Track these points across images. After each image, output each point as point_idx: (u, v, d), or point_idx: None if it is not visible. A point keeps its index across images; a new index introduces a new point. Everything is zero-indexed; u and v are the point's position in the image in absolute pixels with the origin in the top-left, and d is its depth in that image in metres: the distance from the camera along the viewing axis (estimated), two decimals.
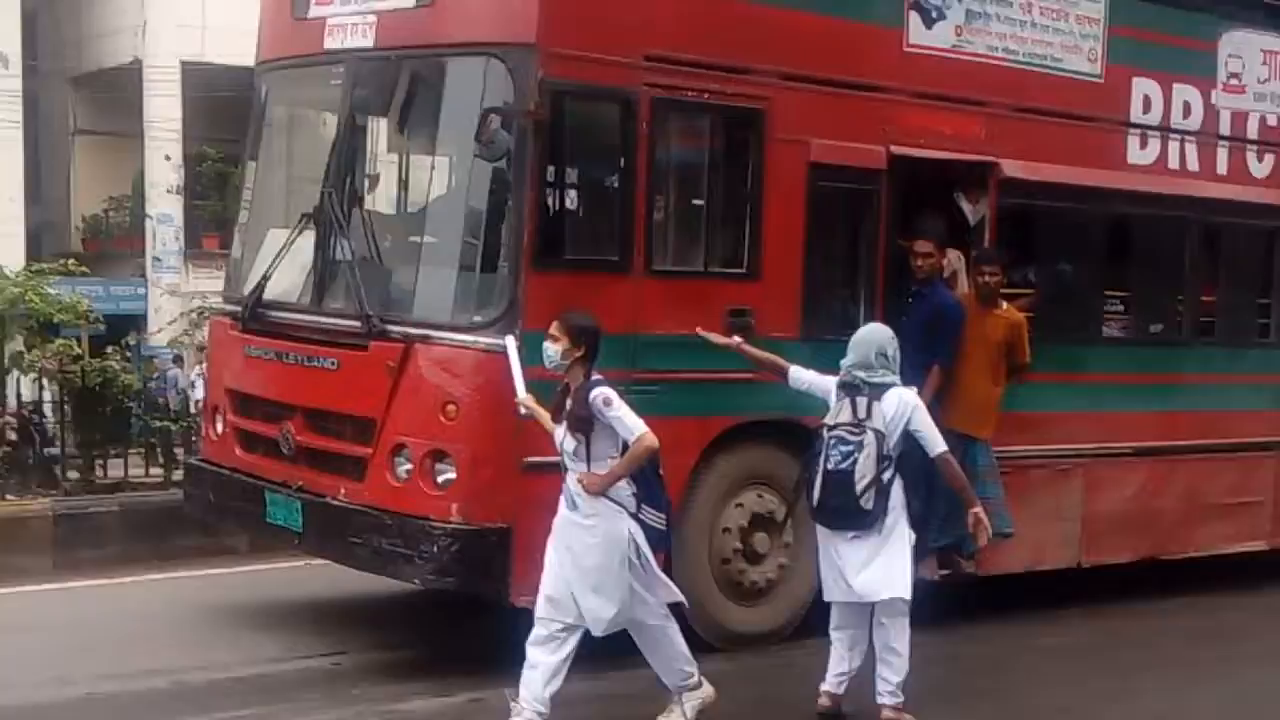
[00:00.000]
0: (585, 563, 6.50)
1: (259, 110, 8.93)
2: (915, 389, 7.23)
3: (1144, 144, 10.02)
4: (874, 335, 7.11)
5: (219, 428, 8.71)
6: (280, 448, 8.09)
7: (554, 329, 6.57)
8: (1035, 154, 9.36)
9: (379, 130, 8.33)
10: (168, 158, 27.34)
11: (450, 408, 7.34)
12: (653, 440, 6.43)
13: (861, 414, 6.88)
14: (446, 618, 8.75)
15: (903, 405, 6.93)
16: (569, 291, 7.43)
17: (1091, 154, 9.74)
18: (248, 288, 8.44)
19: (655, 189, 7.82)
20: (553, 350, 6.57)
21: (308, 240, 8.12)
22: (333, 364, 7.81)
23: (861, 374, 6.94)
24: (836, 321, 8.50)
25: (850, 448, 6.84)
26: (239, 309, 8.49)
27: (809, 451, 7.06)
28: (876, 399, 6.89)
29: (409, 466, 7.46)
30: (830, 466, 6.86)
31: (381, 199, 8.56)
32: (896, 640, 7.02)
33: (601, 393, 6.42)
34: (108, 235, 30.22)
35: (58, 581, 9.90)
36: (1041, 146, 9.41)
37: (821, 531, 7.10)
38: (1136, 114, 9.95)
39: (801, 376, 7.34)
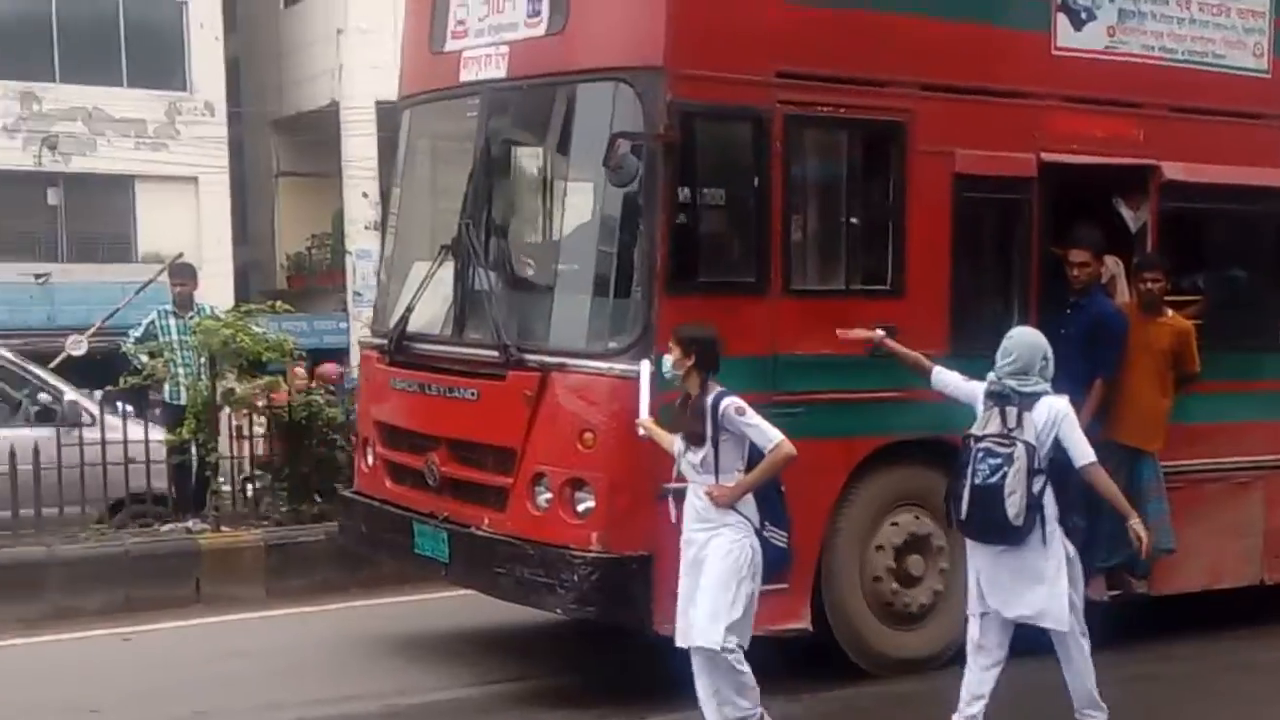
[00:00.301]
0: (706, 578, 6.43)
1: (401, 144, 9.01)
2: (1067, 398, 6.93)
3: None
4: (1035, 339, 6.88)
5: (369, 460, 8.80)
6: (426, 479, 8.13)
7: (670, 342, 6.60)
8: (1199, 155, 8.95)
9: (515, 160, 8.36)
10: (365, 195, 28.12)
11: (588, 435, 7.29)
12: (791, 448, 6.43)
13: (1011, 424, 6.63)
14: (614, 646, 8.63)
15: (1053, 414, 6.68)
16: (704, 314, 7.28)
17: (1261, 153, 9.28)
18: (393, 320, 8.51)
19: (791, 207, 7.67)
20: (667, 362, 6.61)
21: (447, 271, 8.15)
22: (473, 395, 7.82)
23: (1013, 382, 6.69)
24: (987, 337, 8.16)
25: (999, 460, 6.59)
26: (385, 341, 8.57)
27: (956, 463, 6.85)
28: (1027, 409, 6.64)
29: (549, 495, 7.43)
30: (978, 481, 6.62)
31: (518, 228, 8.56)
32: (1070, 662, 6.87)
33: (732, 402, 6.40)
34: (310, 272, 31.32)
35: (270, 609, 10.17)
36: (1205, 147, 8.99)
37: (969, 544, 6.91)
38: None
39: (945, 379, 7.20)
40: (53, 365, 12.49)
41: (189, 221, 27.17)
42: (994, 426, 6.69)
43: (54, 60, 27.56)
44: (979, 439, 6.68)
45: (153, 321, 11.60)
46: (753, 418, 6.41)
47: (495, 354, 7.68)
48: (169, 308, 11.67)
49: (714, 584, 6.47)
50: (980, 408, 6.82)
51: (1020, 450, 6.57)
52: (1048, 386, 6.76)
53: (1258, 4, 9.20)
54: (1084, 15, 8.57)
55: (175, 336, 11.46)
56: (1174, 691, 8.13)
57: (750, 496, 6.48)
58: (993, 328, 8.28)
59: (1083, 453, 6.73)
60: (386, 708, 7.72)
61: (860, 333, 7.56)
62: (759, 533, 6.46)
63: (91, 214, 28.21)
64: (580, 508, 7.34)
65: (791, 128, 7.58)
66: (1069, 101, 8.53)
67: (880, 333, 7.52)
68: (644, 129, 7.25)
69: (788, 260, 7.63)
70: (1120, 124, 8.73)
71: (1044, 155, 8.35)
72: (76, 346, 12.62)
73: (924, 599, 8.14)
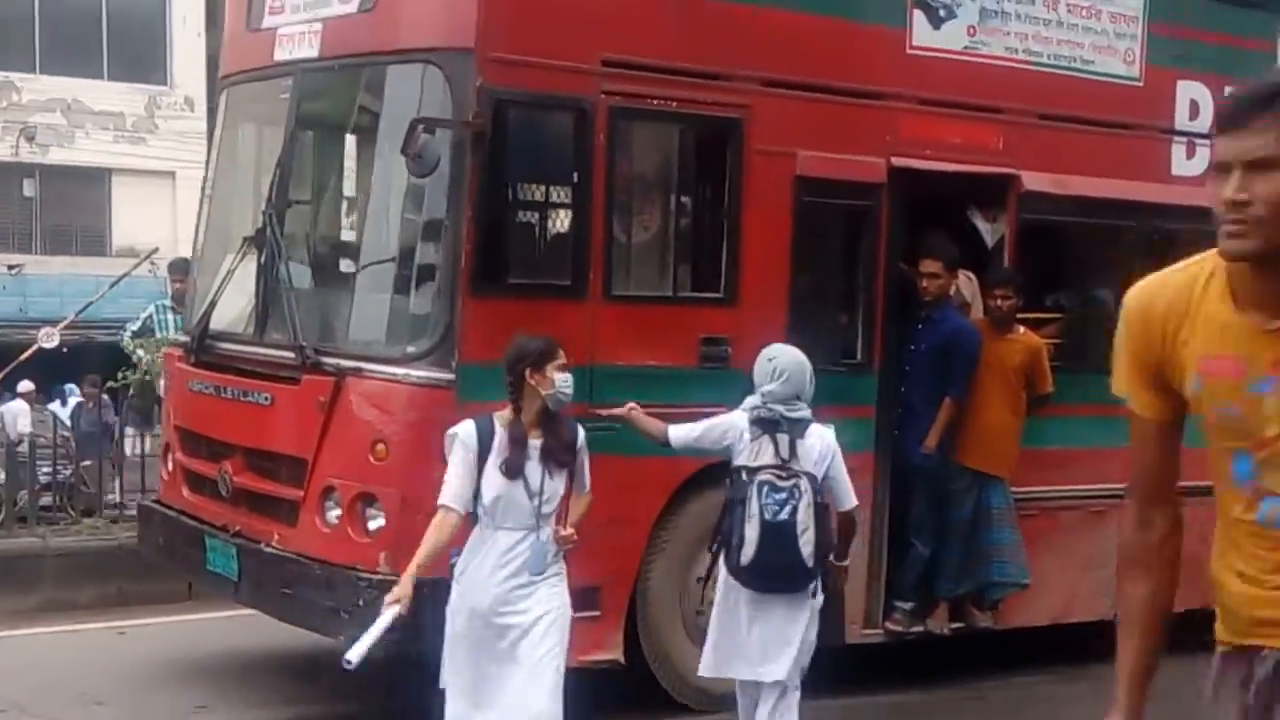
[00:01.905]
0: (539, 649, 5.58)
1: (218, 127, 8.40)
2: (833, 428, 6.25)
3: (1191, 153, 9.11)
4: (803, 359, 6.15)
5: (169, 466, 8.17)
6: (220, 489, 7.52)
7: (562, 356, 5.74)
8: (1063, 165, 8.51)
9: (324, 146, 7.80)
10: None
11: (380, 447, 6.71)
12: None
13: (785, 454, 5.95)
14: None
15: (826, 446, 6.07)
16: (514, 319, 6.75)
17: (1129, 165, 8.85)
18: (195, 317, 7.90)
19: (614, 206, 7.12)
20: (568, 380, 5.70)
21: (250, 266, 7.55)
22: (266, 399, 7.23)
23: (782, 408, 6.01)
24: (828, 351, 7.74)
25: (783, 494, 5.92)
26: (188, 340, 7.96)
27: (729, 498, 6.11)
28: (799, 437, 6.00)
29: (338, 511, 6.85)
30: (768, 518, 5.91)
31: (324, 220, 7.97)
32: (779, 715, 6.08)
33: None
34: None
35: None
36: (1070, 157, 8.55)
37: (736, 596, 6.08)
38: (1182, 120, 9.04)
39: (683, 434, 6.29)
40: (24, 357, 12.11)
41: (165, 216, 26.51)
42: (767, 457, 5.97)
43: (35, 51, 27.29)
44: (753, 471, 5.95)
45: (150, 316, 11.33)
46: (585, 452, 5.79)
47: (292, 356, 7.09)
48: (166, 303, 11.35)
49: (553, 654, 5.61)
50: (743, 438, 6.06)
51: (804, 484, 5.93)
52: (809, 411, 6.13)
53: (1130, 8, 8.77)
54: (943, 13, 8.09)
55: (173, 332, 10.93)
56: None
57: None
58: (837, 342, 7.89)
59: (848, 495, 6.16)
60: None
61: (611, 410, 6.65)
62: None
63: (66, 206, 27.89)
64: (371, 525, 6.77)
65: (617, 120, 7.04)
66: (924, 104, 8.06)
67: (630, 405, 6.55)
68: (453, 115, 6.70)
69: (609, 263, 7.08)
70: (979, 130, 8.28)
71: (895, 160, 7.87)
72: (49, 339, 12.29)
73: None
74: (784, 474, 5.93)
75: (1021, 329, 8.10)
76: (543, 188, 7.10)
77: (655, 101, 7.20)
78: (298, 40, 7.50)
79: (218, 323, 7.76)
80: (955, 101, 8.16)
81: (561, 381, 5.63)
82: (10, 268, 27.12)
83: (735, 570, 6.01)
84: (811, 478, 5.96)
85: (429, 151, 6.52)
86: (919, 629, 8.15)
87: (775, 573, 5.96)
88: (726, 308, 7.44)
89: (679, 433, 6.30)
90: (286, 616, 7.21)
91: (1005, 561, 8.01)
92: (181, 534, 7.84)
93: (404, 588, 5.43)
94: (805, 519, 5.90)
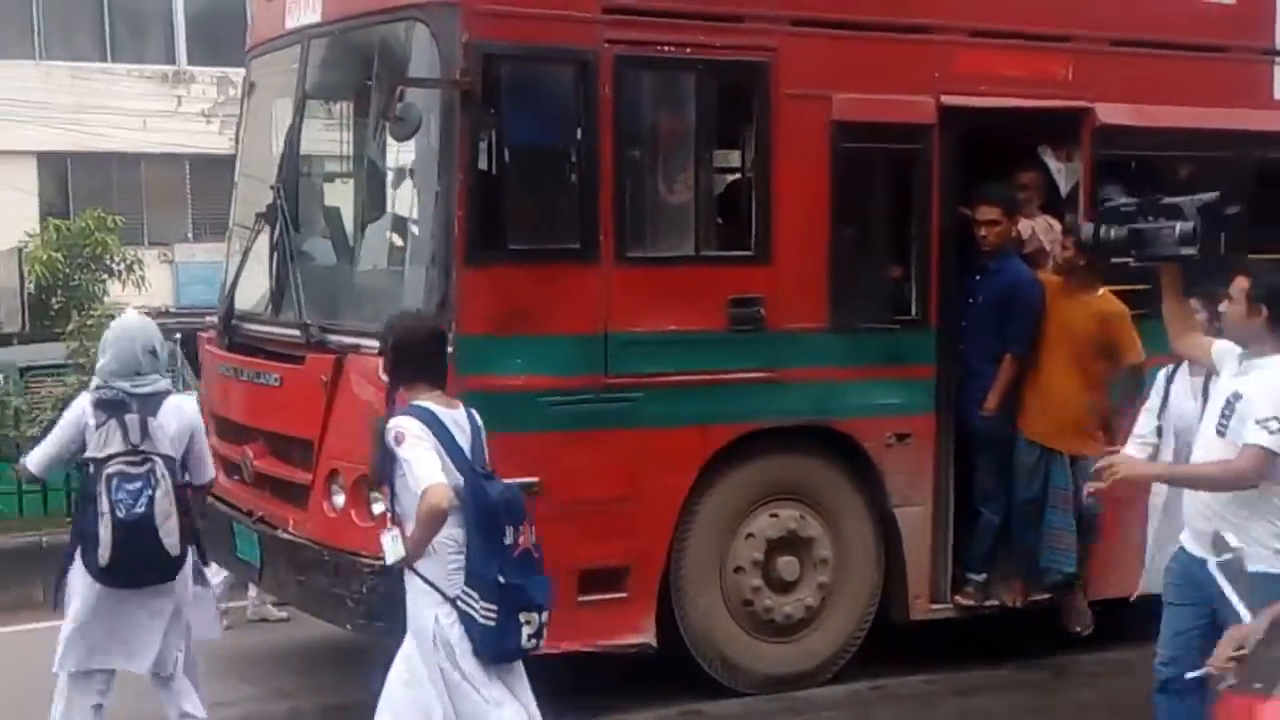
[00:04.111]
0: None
1: (243, 100, 8.16)
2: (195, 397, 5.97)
3: None
4: (134, 329, 5.59)
5: None
6: (243, 474, 7.30)
7: None
8: (1144, 96, 7.77)
9: (328, 115, 7.49)
10: None
11: None
12: (440, 499, 4.90)
13: (136, 438, 5.39)
14: None
15: (185, 421, 5.56)
16: (518, 287, 6.42)
17: (1223, 93, 8.05)
18: (222, 298, 7.70)
19: (626, 163, 6.66)
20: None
21: (264, 244, 7.29)
22: (276, 380, 6.98)
23: (125, 384, 5.45)
24: (879, 308, 7.23)
25: (137, 484, 5.35)
26: (215, 322, 7.77)
27: (80, 494, 5.59)
28: (152, 415, 5.43)
29: (343, 495, 6.55)
30: (122, 515, 5.33)
31: (329, 192, 7.69)
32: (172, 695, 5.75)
33: (395, 425, 5.03)
34: None
35: None
36: (1153, 86, 7.80)
37: (103, 593, 5.53)
38: None
39: (39, 457, 5.67)
40: None
41: None
42: (116, 443, 5.39)
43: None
44: (101, 463, 5.36)
45: None
46: (409, 449, 4.94)
47: (299, 335, 6.83)
48: None
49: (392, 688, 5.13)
50: (91, 426, 5.45)
51: (160, 468, 5.37)
52: (167, 381, 5.60)
53: None
54: None
55: None
56: None
57: (441, 556, 5.05)
58: (886, 297, 7.34)
59: (207, 469, 5.72)
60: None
61: None
62: (453, 601, 5.03)
63: None
64: (375, 509, 6.44)
65: (624, 71, 6.58)
66: (977, 35, 7.40)
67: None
68: (440, 74, 6.32)
69: (622, 224, 6.63)
70: (1043, 60, 7.59)
71: (945, 99, 7.24)
72: None
73: (794, 609, 7.12)
74: (136, 460, 5.38)
75: (1102, 290, 7.28)
76: (544, 148, 6.65)
77: (667, 49, 6.70)
78: (304, 6, 7.21)
79: (241, 303, 7.54)
80: (1013, 31, 7.48)
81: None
82: None
83: (96, 574, 5.48)
84: (169, 460, 5.43)
85: (411, 114, 6.16)
86: (992, 603, 7.56)
87: (138, 570, 5.48)
88: (759, 266, 6.94)
89: (35, 458, 5.68)
90: (302, 605, 7.00)
91: (1053, 548, 7.30)
92: (215, 521, 7.62)
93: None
94: (165, 507, 5.40)
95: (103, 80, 25.99)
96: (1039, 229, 7.74)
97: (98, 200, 21.75)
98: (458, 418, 5.15)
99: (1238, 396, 5.04)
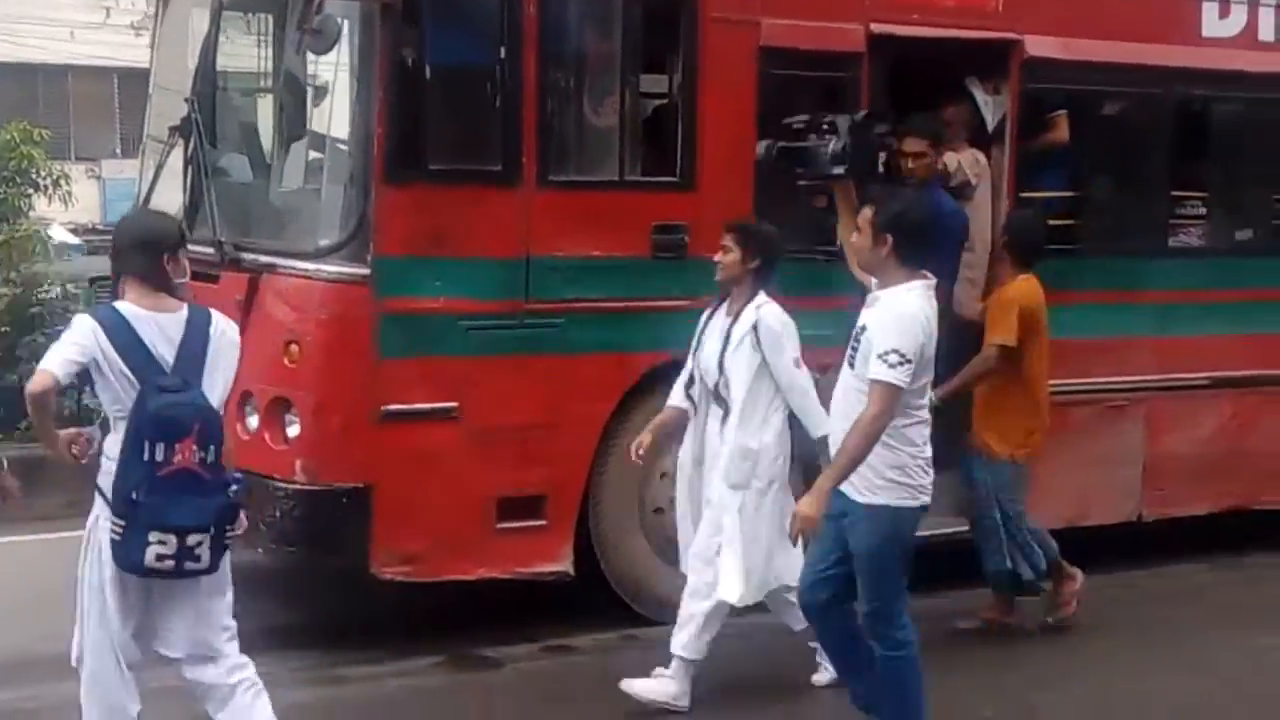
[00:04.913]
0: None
1: (158, 11, 7.95)
2: None
3: (1225, 12, 8.28)
4: None
5: None
6: None
7: None
8: (1074, 28, 7.74)
9: (245, 27, 7.28)
10: None
11: (293, 348, 6.30)
12: (32, 384, 4.47)
13: None
14: None
15: None
16: (437, 208, 6.30)
17: (1153, 29, 8.04)
18: None
19: (550, 84, 6.57)
20: None
21: (178, 157, 7.11)
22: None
23: None
24: (803, 237, 7.15)
25: None
26: None
27: None
28: None
29: (256, 418, 6.44)
30: None
31: (245, 106, 7.51)
32: None
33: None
34: None
35: None
36: (1083, 19, 7.77)
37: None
38: None
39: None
40: None
41: None
42: None
43: None
44: None
45: None
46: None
47: (213, 253, 6.67)
48: None
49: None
50: None
51: None
52: None
53: None
54: None
55: None
56: None
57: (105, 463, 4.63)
58: (812, 229, 7.27)
59: None
60: None
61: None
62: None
63: None
64: (289, 431, 6.36)
65: None
66: None
67: None
68: None
69: (545, 146, 6.53)
70: None
71: (875, 26, 7.17)
72: None
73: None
74: None
75: (1021, 278, 6.95)
76: (466, 66, 6.51)
77: None
78: None
79: None
80: None
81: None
82: None
83: None
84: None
85: (329, 27, 6.03)
86: None
87: None
88: (683, 192, 6.87)
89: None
90: None
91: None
92: None
93: None
94: None
95: None
96: (965, 162, 7.68)
97: (23, 113, 21.19)
98: (165, 322, 4.67)
99: (863, 329, 5.00)
